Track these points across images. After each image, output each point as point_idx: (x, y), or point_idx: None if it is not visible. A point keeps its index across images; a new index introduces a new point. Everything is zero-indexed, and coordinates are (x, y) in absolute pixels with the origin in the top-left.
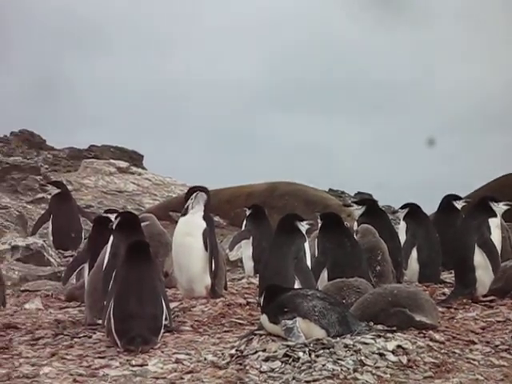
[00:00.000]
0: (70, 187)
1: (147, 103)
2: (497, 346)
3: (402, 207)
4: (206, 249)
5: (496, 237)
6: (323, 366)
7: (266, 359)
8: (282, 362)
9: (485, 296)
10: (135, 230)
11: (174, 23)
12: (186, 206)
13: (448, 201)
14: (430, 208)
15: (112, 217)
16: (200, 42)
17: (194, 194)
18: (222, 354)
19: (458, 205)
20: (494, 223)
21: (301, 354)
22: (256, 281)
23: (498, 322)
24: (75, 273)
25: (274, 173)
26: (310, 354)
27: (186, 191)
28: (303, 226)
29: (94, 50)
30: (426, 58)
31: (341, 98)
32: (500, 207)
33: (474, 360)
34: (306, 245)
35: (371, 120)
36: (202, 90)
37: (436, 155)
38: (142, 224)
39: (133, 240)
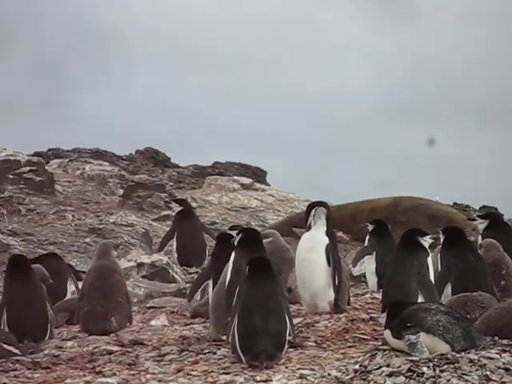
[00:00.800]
0: (194, 204)
1: (269, 120)
2: None
3: None
4: (329, 264)
5: None
6: (448, 381)
7: (390, 374)
8: (406, 378)
9: None
10: (257, 247)
11: (287, 32)
12: (308, 223)
13: None
14: None
15: (234, 233)
16: (311, 55)
17: (313, 209)
18: (346, 369)
19: None
20: None
21: (425, 369)
22: (379, 296)
23: None
24: (200, 289)
25: (397, 187)
26: (434, 369)
27: (306, 207)
28: (426, 241)
29: (213, 68)
30: None
31: (463, 108)
32: None
33: None
34: (429, 259)
35: (496, 131)
36: (320, 104)
37: None
38: (266, 240)
39: (254, 256)
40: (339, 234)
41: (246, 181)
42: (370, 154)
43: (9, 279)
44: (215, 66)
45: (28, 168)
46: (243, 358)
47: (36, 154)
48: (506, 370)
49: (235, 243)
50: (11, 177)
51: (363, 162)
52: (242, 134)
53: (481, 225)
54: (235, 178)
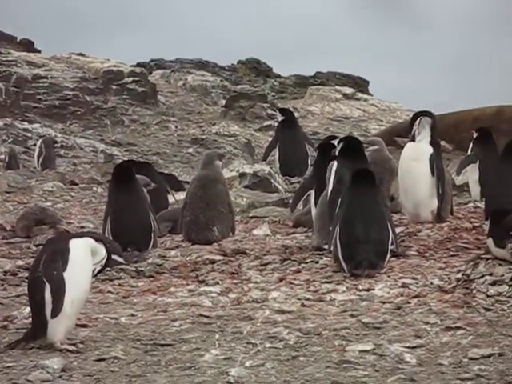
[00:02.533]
0: (296, 114)
1: (369, 31)
2: None
3: None
4: (433, 174)
5: None
6: None
7: (493, 283)
8: (510, 286)
9: None
10: (359, 156)
11: None
12: (412, 133)
13: None
14: None
15: (335, 143)
16: None
17: (418, 119)
18: (449, 278)
19: None
20: None
21: None
22: (482, 205)
23: None
24: (302, 199)
25: (502, 96)
26: None
27: (411, 116)
28: None
29: None
30: None
31: None
32: None
33: None
34: None
35: None
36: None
37: None
38: (371, 148)
39: (357, 168)
40: (442, 143)
41: (348, 90)
42: (471, 63)
43: (114, 189)
44: None
45: (131, 79)
46: (345, 266)
47: (139, 65)
48: None
49: (337, 152)
50: (114, 87)
51: (463, 72)
52: (344, 43)
53: None
54: (337, 87)
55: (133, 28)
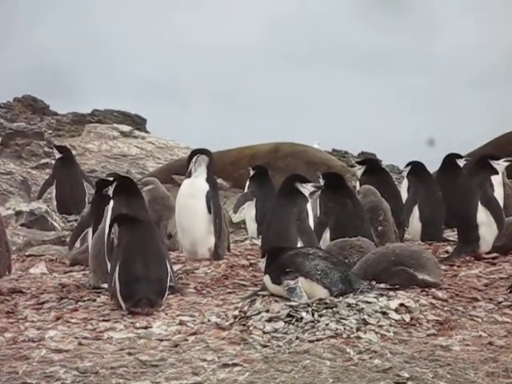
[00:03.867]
0: (73, 152)
1: (148, 67)
2: (500, 302)
3: (406, 165)
4: (210, 211)
5: (499, 194)
6: (326, 325)
7: (270, 320)
8: (285, 323)
9: (488, 253)
10: (134, 193)
11: None
12: (189, 170)
13: (450, 159)
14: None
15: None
16: (200, 5)
17: (195, 156)
18: (226, 315)
19: (460, 163)
20: (497, 180)
21: (304, 314)
22: (259, 242)
23: (501, 278)
24: (80, 237)
25: (277, 133)
26: (312, 314)
27: (189, 154)
28: (305, 188)
29: (95, 15)
30: None
31: (344, 55)
32: (501, 164)
33: (477, 317)
34: (309, 206)
35: (375, 78)
36: (202, 52)
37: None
38: (146, 188)
39: (118, 215)
40: (219, 180)
41: (126, 128)
42: (253, 99)
43: None
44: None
45: None
46: (123, 304)
47: None
48: (383, 313)
49: (111, 192)
50: None
51: (245, 108)
52: (121, 81)
53: (359, 171)
54: (115, 125)
55: None
